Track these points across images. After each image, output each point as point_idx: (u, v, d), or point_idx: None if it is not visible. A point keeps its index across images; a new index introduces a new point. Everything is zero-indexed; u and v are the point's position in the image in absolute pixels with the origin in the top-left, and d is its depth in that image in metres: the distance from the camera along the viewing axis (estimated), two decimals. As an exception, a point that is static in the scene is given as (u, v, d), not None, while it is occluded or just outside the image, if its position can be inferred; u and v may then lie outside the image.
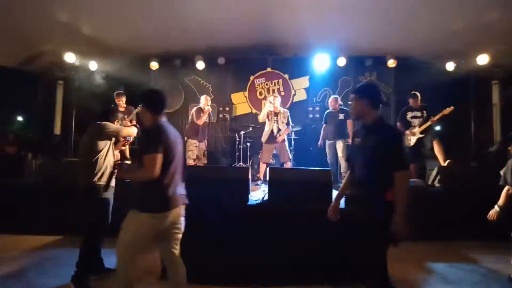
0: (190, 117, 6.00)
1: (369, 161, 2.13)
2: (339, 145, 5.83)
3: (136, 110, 5.73)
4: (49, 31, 5.74)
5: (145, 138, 2.27)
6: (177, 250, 2.35)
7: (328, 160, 6.00)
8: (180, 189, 2.33)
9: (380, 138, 2.11)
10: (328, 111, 6.18)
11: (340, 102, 6.10)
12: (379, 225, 2.02)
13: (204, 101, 5.94)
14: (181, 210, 2.33)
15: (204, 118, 5.84)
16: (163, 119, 2.33)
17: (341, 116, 5.86)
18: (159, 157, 2.11)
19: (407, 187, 2.02)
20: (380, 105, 2.24)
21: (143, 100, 2.37)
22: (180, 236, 2.36)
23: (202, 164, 5.97)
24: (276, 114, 5.70)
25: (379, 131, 2.14)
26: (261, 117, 5.85)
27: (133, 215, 2.19)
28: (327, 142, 6.01)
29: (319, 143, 6.17)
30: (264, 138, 5.73)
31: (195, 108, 5.98)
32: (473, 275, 3.33)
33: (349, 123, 5.82)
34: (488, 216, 3.12)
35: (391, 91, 7.47)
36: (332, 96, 6.25)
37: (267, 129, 5.72)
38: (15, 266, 3.41)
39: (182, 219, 2.36)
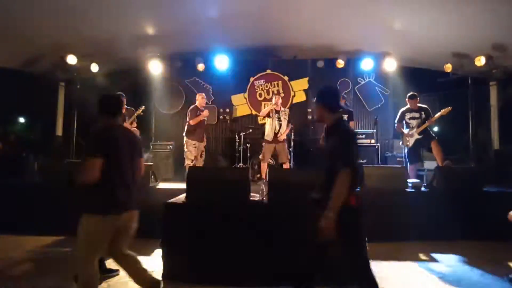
0: (187, 117, 6.03)
1: (327, 165, 2.14)
2: None
3: (137, 112, 5.77)
4: (51, 32, 5.79)
5: (87, 141, 2.30)
6: (126, 249, 2.40)
7: None
8: (130, 194, 2.33)
9: (333, 140, 2.14)
10: None
11: (346, 102, 5.98)
12: (344, 231, 2.00)
13: (200, 100, 5.94)
14: (132, 215, 2.35)
15: (199, 119, 5.84)
16: (117, 123, 2.39)
17: (344, 117, 5.81)
18: (97, 162, 2.12)
19: (345, 185, 1.99)
20: (338, 109, 2.27)
21: (98, 105, 2.40)
22: (128, 239, 2.40)
23: (201, 165, 5.99)
24: (278, 112, 5.77)
25: (334, 134, 2.17)
26: (262, 115, 5.85)
27: (83, 218, 2.20)
28: None
29: (320, 142, 6.16)
30: (268, 137, 5.75)
31: (190, 107, 5.98)
32: (471, 275, 3.35)
33: (352, 124, 5.73)
34: (508, 216, 3.12)
35: (389, 93, 7.53)
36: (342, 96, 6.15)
37: (269, 128, 5.76)
38: (16, 266, 3.43)
39: (133, 224, 2.39)
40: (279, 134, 5.70)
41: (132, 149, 2.37)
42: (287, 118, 5.78)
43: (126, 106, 5.90)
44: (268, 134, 5.76)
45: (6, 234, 4.39)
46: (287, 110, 5.91)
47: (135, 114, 5.76)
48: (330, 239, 1.96)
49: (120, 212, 2.23)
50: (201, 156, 6.11)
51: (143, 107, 5.88)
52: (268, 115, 5.77)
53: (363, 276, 2.08)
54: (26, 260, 3.62)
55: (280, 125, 5.73)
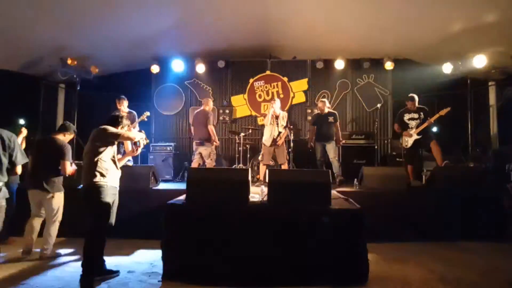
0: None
1: None
2: (331, 146, 5.84)
3: (141, 118, 5.77)
4: (51, 34, 5.80)
5: None
6: None
7: (317, 160, 6.02)
8: None
9: None
10: (317, 113, 6.20)
11: (328, 105, 6.11)
12: None
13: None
14: None
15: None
16: None
17: (331, 119, 5.91)
18: None
19: None
20: None
21: None
22: None
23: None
24: (277, 117, 5.78)
25: None
26: (266, 123, 5.88)
27: None
28: (317, 143, 6.02)
29: (309, 145, 6.18)
30: (268, 142, 5.78)
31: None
32: (470, 275, 3.34)
33: (337, 126, 5.91)
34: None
35: (388, 93, 7.56)
36: (320, 99, 6.28)
37: (269, 133, 5.77)
38: (16, 268, 3.43)
39: None
40: (278, 139, 5.72)
41: None
42: (284, 124, 5.79)
43: (128, 109, 5.90)
44: (267, 139, 5.78)
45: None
46: (285, 115, 5.92)
47: (139, 119, 5.76)
48: None
49: None
50: None
51: (147, 113, 5.89)
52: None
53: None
54: (26, 262, 3.62)
55: (279, 132, 5.74)
